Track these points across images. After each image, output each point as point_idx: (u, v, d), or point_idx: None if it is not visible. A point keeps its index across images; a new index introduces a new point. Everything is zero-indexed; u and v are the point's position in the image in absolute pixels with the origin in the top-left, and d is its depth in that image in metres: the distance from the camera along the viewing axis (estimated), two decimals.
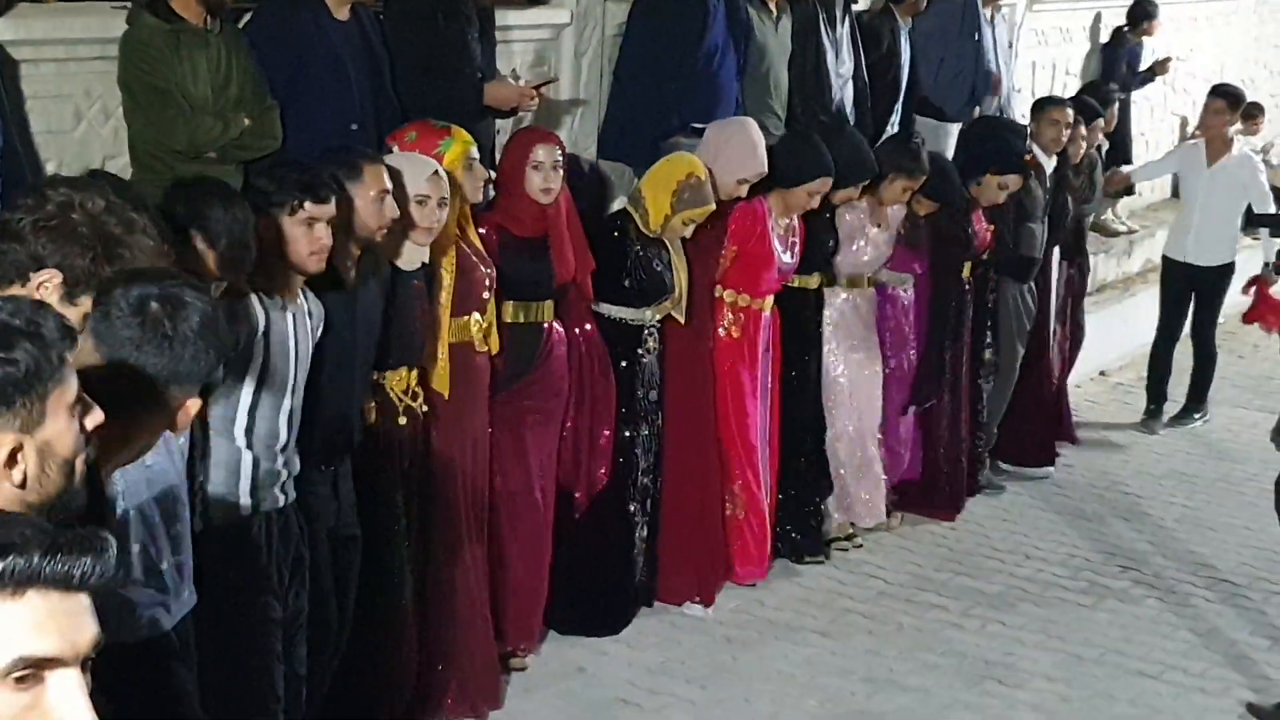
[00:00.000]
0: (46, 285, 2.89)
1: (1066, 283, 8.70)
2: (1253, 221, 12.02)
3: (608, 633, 6.12)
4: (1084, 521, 7.90)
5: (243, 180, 5.14)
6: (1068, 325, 8.76)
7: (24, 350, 2.08)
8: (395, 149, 5.13)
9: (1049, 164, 8.10)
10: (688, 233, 6.12)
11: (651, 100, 6.63)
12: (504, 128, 6.48)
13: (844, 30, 7.55)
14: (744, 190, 6.32)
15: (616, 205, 6.47)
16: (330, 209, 4.32)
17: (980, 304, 7.80)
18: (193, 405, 2.71)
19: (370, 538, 4.88)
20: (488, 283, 5.35)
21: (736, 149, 6.28)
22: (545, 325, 5.67)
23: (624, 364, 6.09)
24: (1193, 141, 9.71)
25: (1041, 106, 8.33)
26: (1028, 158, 7.58)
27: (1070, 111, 8.17)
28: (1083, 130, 8.26)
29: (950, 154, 8.52)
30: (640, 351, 6.13)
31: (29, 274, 2.91)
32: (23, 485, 2.10)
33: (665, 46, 6.62)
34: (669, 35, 6.63)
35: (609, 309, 6.06)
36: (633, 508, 6.18)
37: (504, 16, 6.29)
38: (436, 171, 4.93)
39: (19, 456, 2.08)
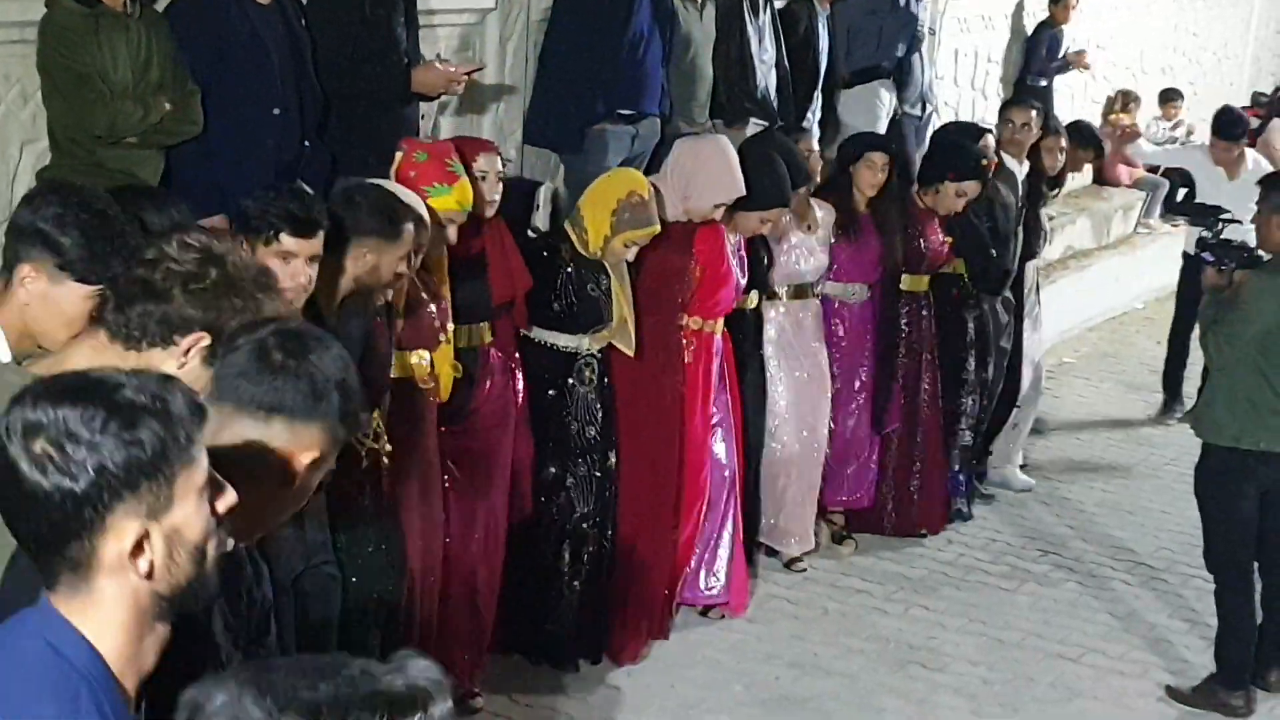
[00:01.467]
0: (193, 350, 2.76)
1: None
2: (1172, 210, 12.19)
3: (545, 689, 5.72)
4: (1005, 506, 7.98)
5: (163, 166, 5.09)
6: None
7: (150, 430, 1.93)
8: (400, 155, 5.00)
9: (1020, 170, 7.80)
10: (630, 255, 5.71)
11: (578, 87, 6.60)
12: (428, 113, 6.45)
13: (765, 18, 7.55)
14: (719, 214, 6.07)
15: (540, 213, 6.04)
16: (314, 245, 4.01)
17: (955, 320, 7.45)
18: (307, 456, 2.43)
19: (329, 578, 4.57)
20: (437, 323, 5.03)
21: (716, 172, 5.98)
22: (483, 349, 5.36)
23: (551, 393, 5.70)
24: (1200, 143, 9.57)
25: (1006, 108, 8.13)
26: (985, 162, 7.24)
27: (1034, 113, 7.89)
28: (1059, 142, 7.95)
29: (888, 114, 8.50)
30: (572, 381, 5.71)
31: (174, 338, 2.78)
32: (150, 575, 1.96)
33: (590, 33, 6.59)
34: (594, 22, 6.61)
35: (539, 333, 5.71)
36: (564, 552, 5.75)
37: (428, 0, 6.25)
38: (422, 218, 4.64)
39: (145, 545, 1.95)
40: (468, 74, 5.90)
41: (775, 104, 7.57)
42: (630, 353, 5.79)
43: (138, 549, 1.94)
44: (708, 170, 6.00)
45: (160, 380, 2.01)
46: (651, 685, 5.82)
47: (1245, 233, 6.48)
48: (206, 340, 2.77)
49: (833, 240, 6.88)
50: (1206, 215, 7.25)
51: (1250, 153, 9.48)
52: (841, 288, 7.03)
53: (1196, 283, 8.69)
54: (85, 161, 4.94)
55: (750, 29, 7.34)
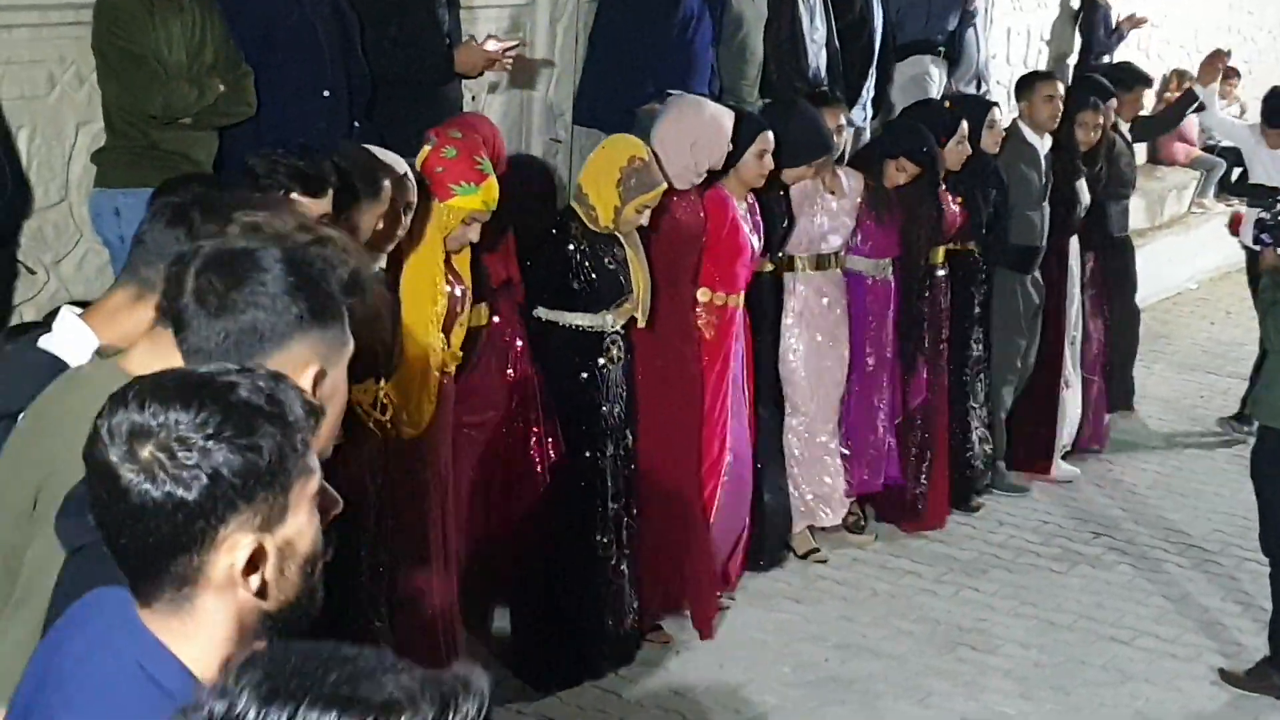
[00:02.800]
0: None
1: (1090, 276, 8.28)
2: (1230, 191, 12.06)
3: (588, 679, 5.58)
4: (1055, 487, 7.93)
5: (217, 147, 5.12)
6: (1097, 322, 8.39)
7: (268, 435, 1.78)
8: (428, 148, 4.90)
9: (1042, 145, 7.64)
10: (644, 220, 5.54)
11: (627, 67, 6.60)
12: (478, 93, 6.46)
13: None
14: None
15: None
16: (324, 204, 3.89)
17: (964, 293, 7.38)
18: (304, 377, 2.20)
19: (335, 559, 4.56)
20: (459, 306, 4.99)
21: (710, 134, 5.86)
22: (481, 329, 5.27)
23: (584, 376, 5.52)
24: (1254, 123, 9.31)
25: (1029, 83, 7.86)
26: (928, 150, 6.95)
27: (1061, 85, 7.79)
28: (1096, 117, 7.82)
29: (938, 91, 8.40)
30: (602, 361, 5.54)
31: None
32: (262, 593, 1.82)
33: (640, 13, 6.59)
34: (644, 2, 6.60)
35: (562, 316, 5.54)
36: (603, 539, 5.57)
37: None
38: (405, 174, 4.59)
39: (259, 560, 1.81)
40: (508, 50, 5.88)
41: (826, 82, 7.53)
42: (643, 322, 5.62)
43: (250, 565, 1.80)
44: (703, 132, 5.85)
45: (274, 379, 1.86)
46: (699, 666, 5.82)
47: None
48: None
49: (859, 214, 6.78)
50: (1265, 196, 7.17)
51: None
52: (871, 264, 6.92)
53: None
54: (140, 143, 4.98)
55: (802, 7, 7.31)
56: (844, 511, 6.92)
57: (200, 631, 1.81)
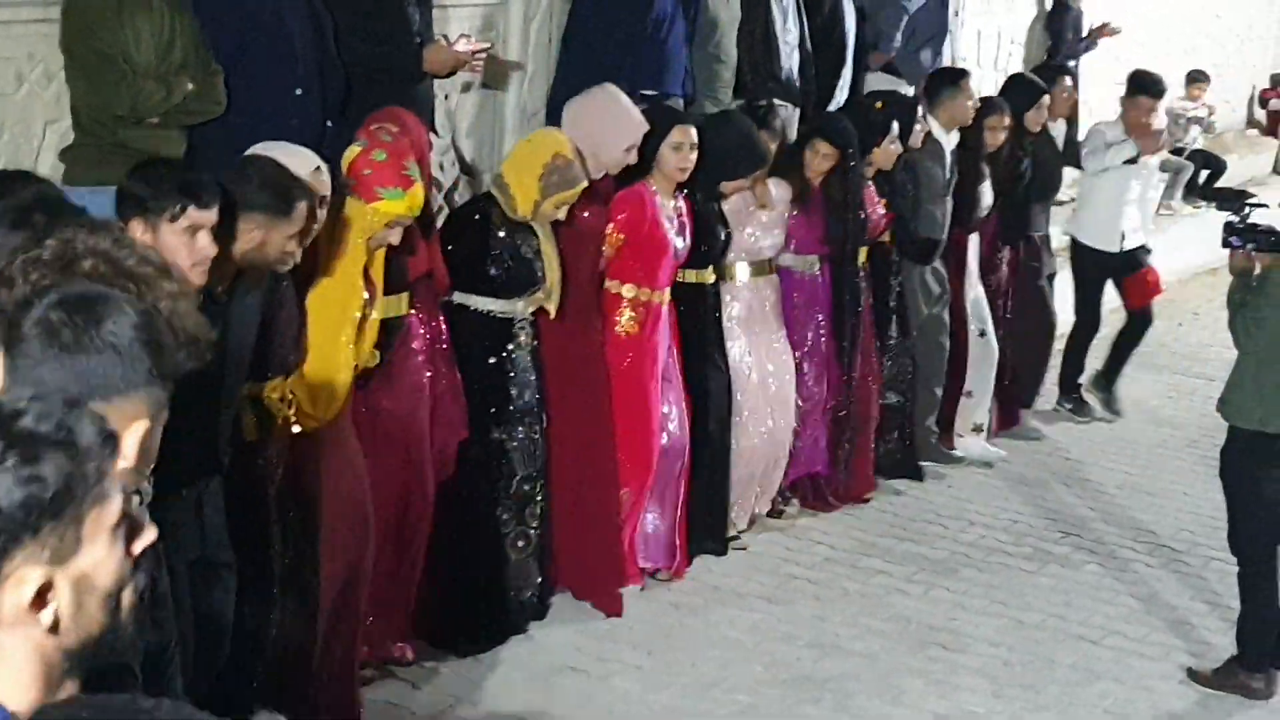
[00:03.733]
0: None
1: (1010, 267, 8.43)
2: (1200, 194, 12.10)
3: (482, 649, 5.70)
4: (1026, 487, 7.97)
5: (185, 146, 5.10)
6: (1021, 310, 8.49)
7: (53, 464, 1.70)
8: (357, 149, 4.86)
9: (949, 142, 7.71)
10: (561, 215, 5.66)
11: (601, 67, 6.59)
12: (450, 92, 6.46)
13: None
14: (633, 157, 5.94)
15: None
16: (213, 215, 3.88)
17: (883, 284, 7.55)
18: (136, 428, 2.20)
19: (242, 560, 4.51)
20: (368, 309, 4.94)
21: (614, 117, 5.92)
22: (403, 319, 5.26)
23: (492, 360, 5.66)
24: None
25: (941, 79, 7.94)
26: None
27: (972, 86, 7.86)
28: (1002, 120, 7.86)
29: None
30: (511, 347, 5.68)
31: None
32: (55, 629, 1.73)
33: (614, 13, 6.60)
34: (618, 2, 6.61)
35: (476, 300, 5.63)
36: (503, 515, 5.73)
37: None
38: (319, 168, 4.56)
39: (48, 595, 1.72)
40: (478, 53, 5.88)
41: (799, 84, 7.56)
42: (552, 313, 5.73)
43: (39, 600, 1.71)
44: (608, 117, 5.94)
45: (65, 406, 1.77)
46: (672, 664, 5.83)
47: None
48: None
49: (788, 215, 6.87)
50: (1234, 200, 7.21)
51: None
52: (798, 259, 7.04)
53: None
54: (108, 142, 4.97)
55: (775, 9, 7.34)
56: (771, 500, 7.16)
57: (1, 669, 1.73)
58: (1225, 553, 6.19)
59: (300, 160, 4.50)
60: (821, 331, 7.17)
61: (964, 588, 6.73)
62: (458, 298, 5.62)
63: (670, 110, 6.28)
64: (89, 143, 5.02)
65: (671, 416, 6.30)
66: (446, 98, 6.41)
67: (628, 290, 6.12)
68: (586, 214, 5.93)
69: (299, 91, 5.31)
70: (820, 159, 6.91)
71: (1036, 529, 7.45)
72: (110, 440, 1.78)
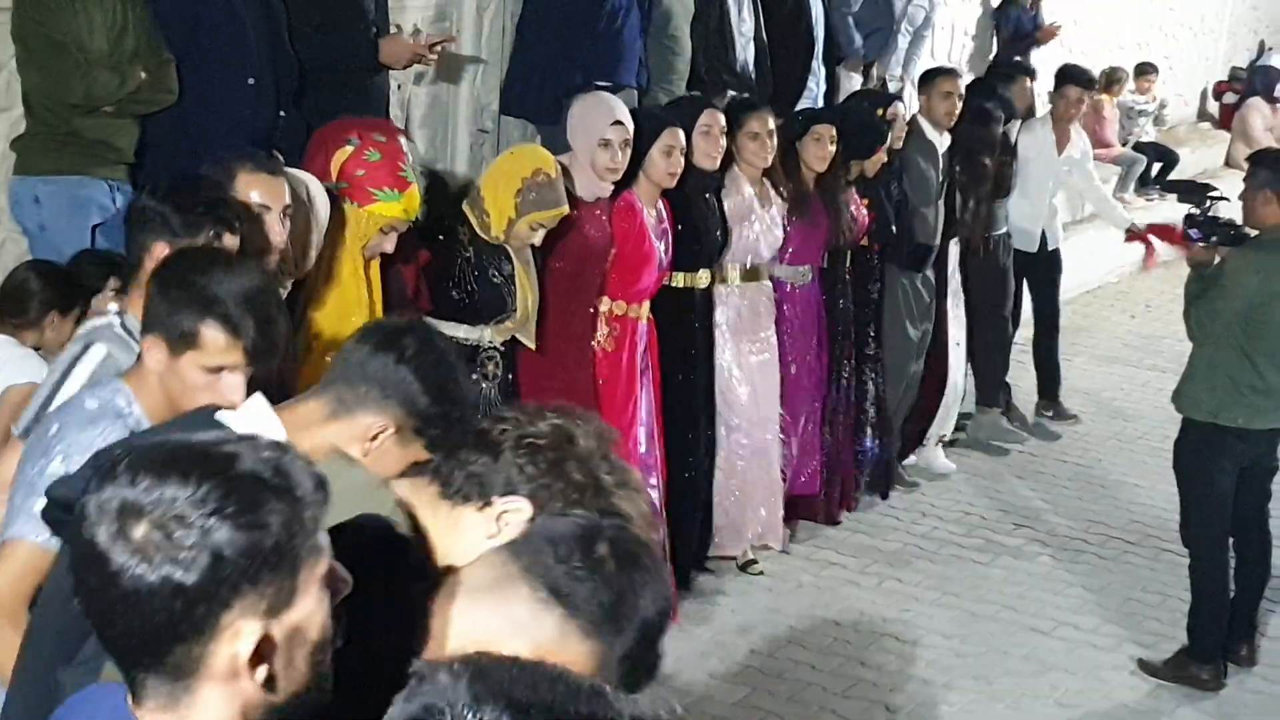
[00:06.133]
0: (508, 518, 2.29)
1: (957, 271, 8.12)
2: (1163, 187, 12.12)
3: None
4: (978, 480, 8.01)
5: (138, 135, 5.06)
6: (983, 311, 8.27)
7: (274, 511, 1.61)
8: (350, 149, 4.59)
9: (941, 143, 7.59)
10: (536, 239, 5.27)
11: (555, 58, 6.58)
12: (404, 83, 6.42)
13: None
14: (616, 133, 5.60)
15: None
16: (238, 241, 3.66)
17: (862, 291, 7.28)
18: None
19: None
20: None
21: (586, 114, 5.70)
22: None
23: None
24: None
25: (929, 78, 7.81)
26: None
27: (960, 82, 7.77)
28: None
29: None
30: (475, 377, 5.20)
31: (491, 497, 2.31)
32: (269, 684, 1.65)
33: (568, 4, 6.58)
34: None
35: (441, 325, 5.07)
36: None
37: None
38: (316, 193, 4.32)
39: (265, 649, 1.63)
40: (436, 45, 5.84)
41: (754, 76, 7.55)
42: (532, 346, 5.37)
43: (256, 655, 1.63)
44: (582, 116, 5.72)
45: (278, 449, 1.68)
46: None
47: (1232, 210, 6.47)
48: (527, 511, 2.28)
49: (785, 221, 6.63)
50: (1196, 192, 7.25)
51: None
52: (792, 270, 6.77)
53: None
54: (60, 131, 4.92)
55: (730, 1, 7.32)
56: (780, 532, 6.78)
57: None
58: (1177, 544, 6.25)
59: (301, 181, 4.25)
60: (814, 345, 6.93)
61: (917, 579, 6.76)
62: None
63: (657, 114, 6.08)
64: (41, 132, 4.97)
65: (639, 437, 6.03)
66: (400, 88, 6.37)
67: (603, 305, 5.86)
68: (588, 230, 5.64)
69: (251, 81, 5.26)
70: (825, 144, 6.64)
71: (989, 521, 7.49)
72: (323, 487, 1.69)
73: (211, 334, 3.02)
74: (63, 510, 2.42)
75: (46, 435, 3.03)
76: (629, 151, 5.67)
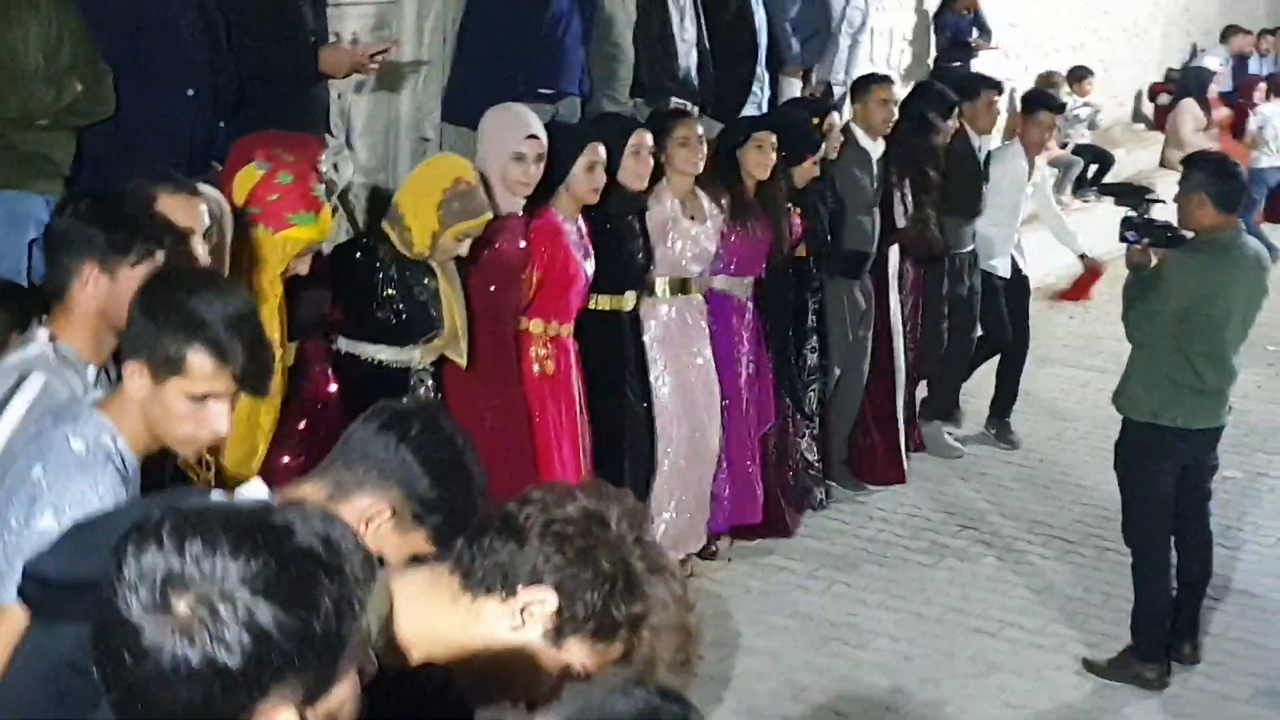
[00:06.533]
0: (533, 610, 2.20)
1: (910, 286, 8.10)
2: (1101, 189, 12.19)
3: None
4: (923, 482, 8.04)
5: (75, 148, 5.00)
6: (919, 333, 8.21)
7: (326, 591, 1.50)
8: (260, 173, 4.44)
9: (875, 150, 7.54)
10: (462, 250, 5.09)
11: (496, 65, 6.56)
12: (344, 91, 6.39)
13: None
14: (529, 146, 5.50)
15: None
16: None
17: (799, 301, 7.17)
18: None
19: None
20: None
21: (498, 127, 5.59)
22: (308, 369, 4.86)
23: None
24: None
25: (864, 85, 7.74)
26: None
27: (895, 89, 7.74)
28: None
29: None
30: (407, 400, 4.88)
31: (516, 587, 2.20)
32: None
33: (509, 11, 6.56)
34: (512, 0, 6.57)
35: (364, 348, 5.05)
36: None
37: None
38: (223, 213, 4.17)
39: None
40: (377, 54, 5.81)
41: (697, 83, 7.56)
42: (463, 363, 5.20)
43: None
44: (490, 130, 5.63)
45: (327, 520, 1.57)
46: None
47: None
48: (552, 603, 2.18)
49: (724, 230, 6.52)
50: (1133, 195, 7.29)
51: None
52: (734, 281, 6.68)
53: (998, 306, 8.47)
54: None
55: (672, 8, 7.32)
56: (699, 544, 6.69)
57: None
58: (1119, 544, 6.29)
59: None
60: (756, 357, 6.83)
61: (864, 583, 6.78)
62: (345, 345, 5.07)
63: (578, 129, 6.02)
64: None
65: (567, 459, 5.89)
66: (340, 97, 6.34)
67: (535, 326, 5.75)
68: (501, 245, 5.50)
69: (190, 92, 5.21)
70: (766, 152, 6.58)
71: (934, 523, 7.53)
72: (370, 564, 1.59)
73: (199, 360, 2.92)
74: (41, 585, 2.32)
75: (27, 480, 2.88)
76: (542, 165, 5.58)
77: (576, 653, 2.17)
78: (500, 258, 5.51)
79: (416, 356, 5.12)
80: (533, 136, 5.54)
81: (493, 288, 5.51)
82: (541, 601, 2.17)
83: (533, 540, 2.19)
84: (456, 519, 2.58)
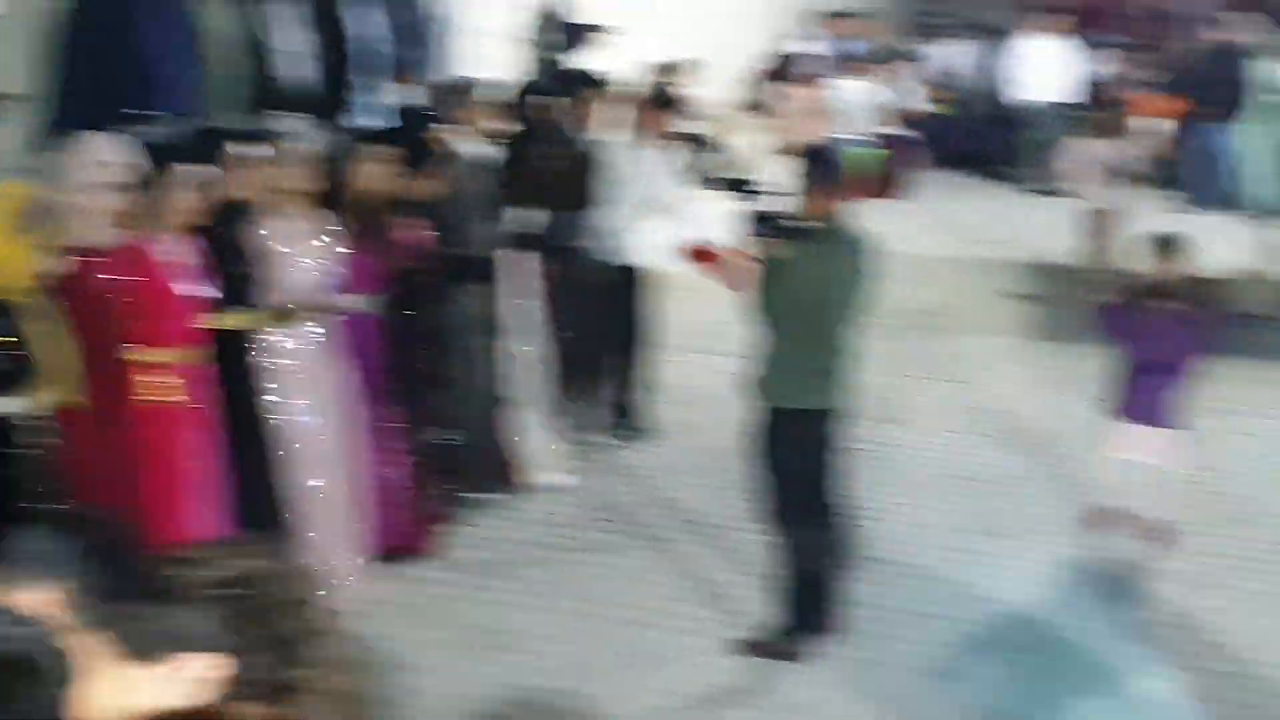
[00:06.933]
0: (199, 675, 2.15)
1: (548, 279, 8.03)
2: (710, 183, 12.41)
3: None
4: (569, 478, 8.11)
5: None
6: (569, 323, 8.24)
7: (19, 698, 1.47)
8: None
9: (483, 154, 7.59)
10: (54, 263, 5.04)
11: (97, 91, 6.31)
12: None
13: (290, 8, 7.39)
14: (107, 203, 5.43)
15: None
16: None
17: (424, 315, 7.11)
18: None
19: None
20: None
21: (78, 157, 5.52)
22: None
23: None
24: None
25: (468, 89, 7.82)
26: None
27: (499, 92, 7.78)
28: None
29: None
30: (18, 453, 4.93)
31: (178, 653, 2.14)
32: None
33: (93, 38, 6.29)
34: (97, 26, 6.31)
35: None
36: None
37: None
38: None
39: None
40: None
41: (304, 94, 7.44)
42: (79, 401, 5.10)
43: None
44: (73, 158, 5.53)
45: (19, 621, 1.53)
46: None
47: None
48: (217, 669, 2.16)
49: (344, 247, 6.44)
50: (746, 185, 7.45)
51: None
52: (355, 299, 6.55)
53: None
54: None
55: (272, 20, 7.17)
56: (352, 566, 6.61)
57: None
58: (760, 526, 6.45)
59: None
60: (382, 372, 6.74)
61: (518, 586, 6.82)
62: None
63: (180, 149, 5.84)
64: None
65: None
66: None
67: (142, 354, 5.53)
68: (87, 276, 5.31)
69: None
70: (378, 168, 6.53)
71: (580, 520, 7.60)
72: (67, 669, 1.55)
73: None
74: None
75: None
76: (127, 193, 5.43)
77: (248, 716, 2.15)
78: (92, 288, 5.34)
79: (18, 405, 4.92)
80: (110, 164, 5.40)
81: (87, 320, 5.34)
82: (206, 667, 2.15)
83: (196, 605, 2.16)
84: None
